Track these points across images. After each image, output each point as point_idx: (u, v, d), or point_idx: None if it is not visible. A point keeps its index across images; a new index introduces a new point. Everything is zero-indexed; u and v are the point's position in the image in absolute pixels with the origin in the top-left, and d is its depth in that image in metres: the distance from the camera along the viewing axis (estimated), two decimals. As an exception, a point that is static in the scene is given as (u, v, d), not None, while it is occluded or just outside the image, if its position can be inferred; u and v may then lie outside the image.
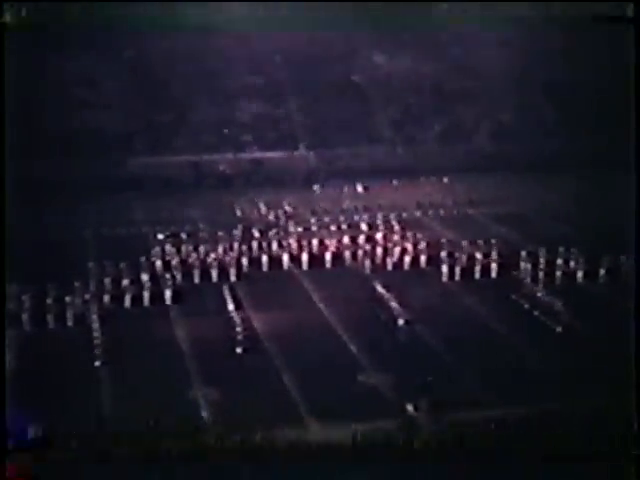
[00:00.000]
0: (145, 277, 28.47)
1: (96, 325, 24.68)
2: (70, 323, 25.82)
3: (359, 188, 43.69)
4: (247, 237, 32.60)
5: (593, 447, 18.25)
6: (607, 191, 42.53)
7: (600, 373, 22.22)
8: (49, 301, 25.97)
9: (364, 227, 34.33)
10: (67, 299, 26.07)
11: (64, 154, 42.95)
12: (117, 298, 27.57)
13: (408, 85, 53.69)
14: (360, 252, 31.71)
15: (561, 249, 29.96)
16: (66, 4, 44.73)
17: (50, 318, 25.77)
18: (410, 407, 20.28)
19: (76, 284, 27.05)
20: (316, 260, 31.63)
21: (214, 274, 30.04)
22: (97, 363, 23.11)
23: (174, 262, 30.17)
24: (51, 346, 24.43)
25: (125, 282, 28.00)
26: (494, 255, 30.36)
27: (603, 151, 47.29)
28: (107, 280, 28.03)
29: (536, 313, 26.47)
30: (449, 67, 54.96)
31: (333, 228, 33.64)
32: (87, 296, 26.75)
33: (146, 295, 27.79)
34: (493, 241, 31.28)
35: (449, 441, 18.81)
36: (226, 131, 48.08)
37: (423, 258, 31.26)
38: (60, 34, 46.30)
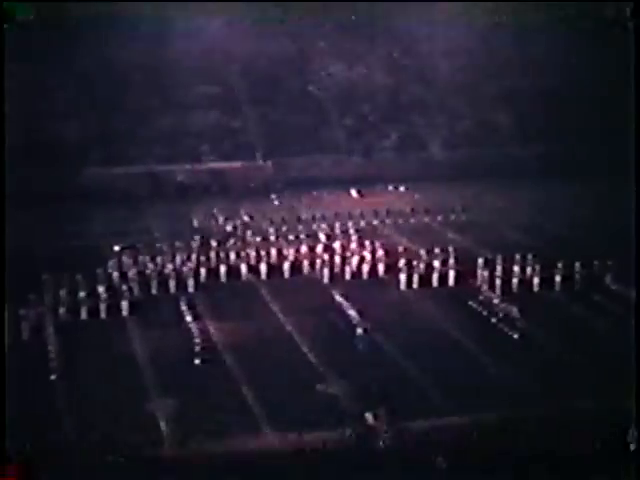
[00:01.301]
0: (101, 289, 28.17)
1: (52, 338, 24.35)
2: (25, 336, 25.44)
3: (317, 197, 43.81)
4: (205, 247, 32.45)
5: (554, 452, 18.45)
6: (563, 198, 43.23)
7: (557, 379, 22.49)
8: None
9: (322, 236, 34.34)
10: (21, 312, 25.70)
11: (17, 164, 42.31)
12: (73, 310, 27.24)
13: (365, 94, 53.97)
14: (318, 261, 31.72)
15: (517, 256, 30.23)
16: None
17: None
18: (369, 416, 20.27)
19: (31, 296, 26.71)
20: (275, 270, 31.56)
21: (172, 285, 29.83)
22: (52, 377, 22.80)
23: (131, 273, 29.89)
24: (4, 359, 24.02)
25: (81, 294, 27.68)
26: (451, 263, 30.57)
27: (560, 158, 48.08)
28: (63, 292, 27.70)
29: (494, 320, 26.67)
30: (406, 76, 55.40)
31: (291, 238, 33.62)
32: (42, 309, 26.43)
33: (103, 307, 27.51)
34: (450, 249, 31.50)
35: (408, 449, 18.89)
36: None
37: (381, 267, 31.38)
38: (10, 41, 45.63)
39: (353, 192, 43.96)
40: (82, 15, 46.74)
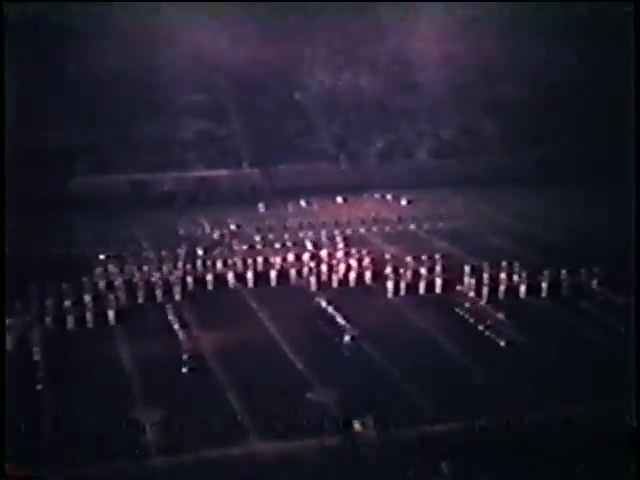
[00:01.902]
0: (88, 297, 28.05)
1: (38, 347, 24.23)
2: (10, 346, 25.28)
3: (303, 205, 43.89)
4: (191, 256, 32.40)
5: (545, 460, 18.52)
6: (548, 205, 43.49)
7: (545, 386, 22.56)
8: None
9: (309, 244, 34.34)
10: (8, 321, 25.54)
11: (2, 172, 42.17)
12: (60, 319, 27.11)
13: (351, 102, 54.15)
14: (305, 269, 31.70)
15: (504, 263, 30.30)
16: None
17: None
18: (357, 424, 20.25)
19: (17, 305, 26.57)
20: (261, 278, 31.53)
21: (159, 293, 29.76)
22: (39, 387, 22.67)
23: (117, 282, 29.79)
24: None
25: (67, 303, 27.56)
26: (438, 270, 30.61)
27: (544, 165, 48.42)
28: (49, 301, 27.57)
29: (481, 327, 26.71)
30: (392, 83, 55.63)
31: (278, 246, 33.61)
32: (28, 318, 26.29)
33: (89, 316, 27.41)
34: (437, 256, 31.56)
35: (397, 457, 18.89)
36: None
37: (368, 274, 31.40)
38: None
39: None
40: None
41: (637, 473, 16.66)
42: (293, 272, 31.78)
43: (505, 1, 53.16)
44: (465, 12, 53.86)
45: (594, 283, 29.83)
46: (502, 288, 29.59)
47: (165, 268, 30.88)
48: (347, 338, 25.65)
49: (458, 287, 29.74)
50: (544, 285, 29.74)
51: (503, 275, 29.83)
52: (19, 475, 16.87)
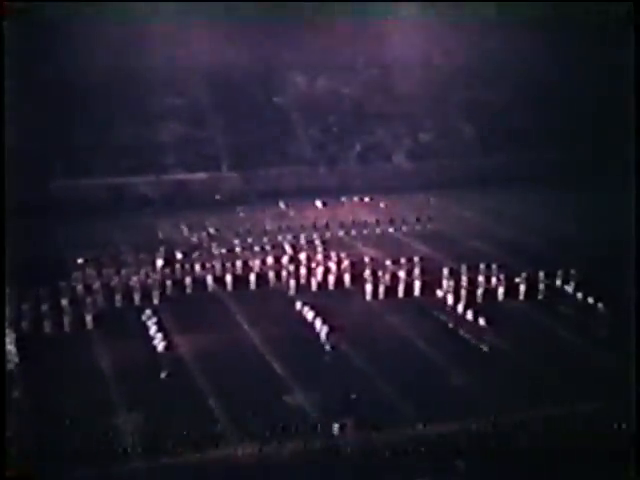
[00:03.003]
0: (65, 302, 27.89)
1: (14, 352, 24.06)
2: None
3: (282, 208, 43.88)
4: (170, 259, 32.30)
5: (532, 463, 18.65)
6: (526, 206, 43.76)
7: (524, 389, 22.68)
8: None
9: (287, 248, 34.33)
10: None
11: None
12: (36, 324, 26.92)
13: (330, 105, 54.19)
14: (284, 272, 31.69)
15: (482, 266, 30.43)
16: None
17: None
18: (336, 426, 20.26)
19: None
20: (240, 281, 31.49)
21: (136, 297, 29.64)
22: (15, 394, 22.49)
23: (95, 286, 29.63)
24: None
25: (44, 307, 27.38)
26: (417, 273, 30.68)
27: (522, 167, 48.74)
28: (25, 306, 27.37)
29: (459, 331, 26.79)
30: (369, 87, 55.72)
31: (257, 249, 33.57)
32: (5, 322, 26.08)
33: (66, 320, 27.24)
34: (416, 259, 31.63)
35: (376, 460, 18.93)
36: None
37: (347, 277, 31.43)
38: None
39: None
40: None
41: (637, 473, 16.75)
42: (272, 275, 31.76)
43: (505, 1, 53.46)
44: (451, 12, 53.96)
45: (571, 286, 29.98)
46: (480, 291, 29.70)
47: (143, 272, 30.76)
48: (325, 341, 25.62)
49: (437, 290, 29.82)
50: (522, 288, 29.87)
51: (481, 278, 29.94)
52: (19, 475, 16.73)
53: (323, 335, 25.83)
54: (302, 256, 32.80)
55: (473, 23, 53.44)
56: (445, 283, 29.99)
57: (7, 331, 25.46)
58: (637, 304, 24.10)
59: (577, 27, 52.90)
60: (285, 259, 32.59)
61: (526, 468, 18.56)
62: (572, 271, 30.19)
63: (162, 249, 33.59)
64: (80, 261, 32.71)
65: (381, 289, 30.16)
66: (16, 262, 33.45)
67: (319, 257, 32.62)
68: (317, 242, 35.12)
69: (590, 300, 28.03)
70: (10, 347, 24.17)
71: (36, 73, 48.75)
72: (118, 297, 29.48)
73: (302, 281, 31.46)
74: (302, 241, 35.42)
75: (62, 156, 46.80)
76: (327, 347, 25.44)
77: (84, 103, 48.70)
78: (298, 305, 28.12)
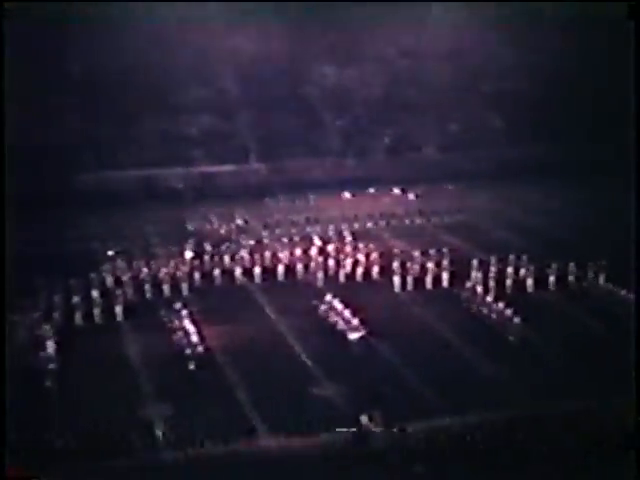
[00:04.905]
0: (95, 293, 28.13)
1: (46, 343, 24.31)
2: (19, 342, 25.36)
3: (311, 200, 43.87)
4: (199, 251, 32.44)
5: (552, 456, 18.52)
6: (556, 199, 43.37)
7: (552, 379, 22.56)
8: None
9: (316, 239, 34.33)
10: (15, 318, 25.63)
11: (8, 170, 42.18)
12: (68, 315, 27.18)
13: (358, 96, 53.97)
14: (312, 264, 31.71)
15: (511, 257, 30.26)
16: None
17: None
18: (364, 418, 20.26)
19: (25, 302, 26.64)
20: (269, 273, 31.56)
21: (166, 289, 29.81)
22: (48, 383, 22.75)
23: (125, 278, 29.85)
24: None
25: (75, 299, 27.63)
26: (445, 265, 30.57)
27: (552, 159, 48.22)
28: (57, 297, 27.64)
29: (488, 322, 26.68)
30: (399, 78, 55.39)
31: (285, 241, 33.62)
32: (37, 314, 26.36)
33: (97, 311, 27.48)
34: (444, 251, 31.52)
35: (404, 452, 18.91)
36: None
37: (375, 269, 31.39)
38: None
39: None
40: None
41: (637, 473, 16.66)
42: (300, 267, 31.80)
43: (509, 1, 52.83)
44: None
45: (602, 277, 29.75)
46: (509, 282, 29.55)
47: (172, 263, 30.92)
48: (355, 335, 25.60)
49: (466, 281, 29.70)
50: (552, 279, 29.69)
51: (510, 269, 29.79)
52: (19, 475, 16.87)
53: (352, 327, 25.83)
54: (330, 248, 32.79)
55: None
56: (474, 274, 29.87)
57: (41, 323, 25.77)
58: (637, 304, 23.99)
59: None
60: (313, 251, 32.61)
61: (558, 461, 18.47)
62: (603, 262, 29.93)
63: (191, 241, 33.74)
64: (110, 253, 32.99)
65: (409, 280, 30.09)
66: (47, 254, 33.98)
67: (347, 249, 32.59)
68: (345, 234, 35.10)
69: (623, 292, 27.84)
70: (48, 342, 24.36)
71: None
72: (147, 288, 29.70)
73: (330, 273, 31.48)
74: (330, 233, 35.41)
75: (91, 148, 47.07)
76: (354, 338, 25.44)
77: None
78: (327, 297, 28.12)
